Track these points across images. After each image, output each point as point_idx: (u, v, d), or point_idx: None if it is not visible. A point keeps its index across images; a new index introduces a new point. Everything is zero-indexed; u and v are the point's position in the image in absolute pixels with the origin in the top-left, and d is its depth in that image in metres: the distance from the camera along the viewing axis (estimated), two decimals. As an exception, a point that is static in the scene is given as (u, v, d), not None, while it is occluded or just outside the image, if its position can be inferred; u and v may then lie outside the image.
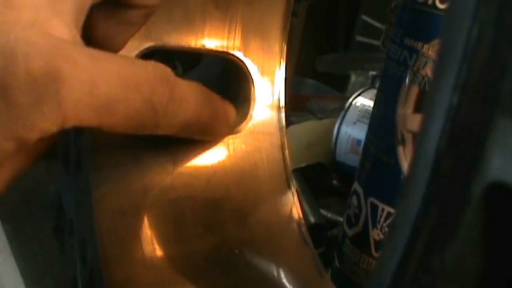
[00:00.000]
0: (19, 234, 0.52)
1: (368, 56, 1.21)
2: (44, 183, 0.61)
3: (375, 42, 1.26)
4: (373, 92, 0.72)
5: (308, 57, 1.18)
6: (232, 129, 0.42)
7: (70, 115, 0.29)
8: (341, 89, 1.12)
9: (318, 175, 0.69)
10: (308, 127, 0.74)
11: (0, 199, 0.56)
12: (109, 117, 0.31)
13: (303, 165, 0.66)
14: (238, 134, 0.43)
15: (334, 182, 0.70)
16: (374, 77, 1.14)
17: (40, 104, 0.28)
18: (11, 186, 0.59)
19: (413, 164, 0.14)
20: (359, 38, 1.32)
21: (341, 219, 0.61)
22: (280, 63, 0.45)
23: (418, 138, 0.14)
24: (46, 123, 0.28)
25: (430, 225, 0.13)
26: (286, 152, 0.44)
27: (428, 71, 0.42)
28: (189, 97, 0.35)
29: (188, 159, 0.41)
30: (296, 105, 0.86)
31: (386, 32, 1.23)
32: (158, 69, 0.33)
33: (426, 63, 0.42)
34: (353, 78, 1.15)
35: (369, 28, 1.29)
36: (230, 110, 0.40)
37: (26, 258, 0.49)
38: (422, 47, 0.42)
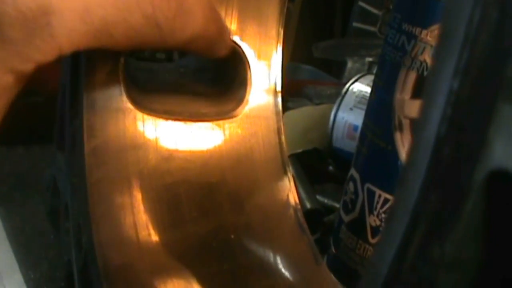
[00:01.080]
0: (13, 218, 0.51)
1: (364, 42, 1.20)
2: (39, 167, 0.60)
3: (372, 28, 1.26)
4: (370, 78, 0.72)
5: (305, 43, 1.17)
6: (229, 50, 0.41)
7: (65, 44, 0.30)
8: (337, 75, 1.12)
9: (314, 161, 0.68)
10: (304, 113, 0.74)
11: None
12: (108, 39, 0.31)
13: (299, 150, 0.66)
14: (234, 119, 0.43)
15: (330, 168, 0.70)
16: (370, 63, 1.14)
17: (33, 37, 0.29)
18: (5, 170, 0.59)
19: (413, 150, 0.14)
20: (355, 24, 1.31)
21: (337, 205, 0.61)
22: (277, 47, 0.45)
23: (418, 123, 0.14)
24: (41, 54, 0.30)
25: (430, 213, 0.13)
26: (283, 136, 0.44)
27: (426, 57, 0.41)
28: (197, 11, 0.35)
29: (184, 144, 0.41)
30: (292, 90, 0.86)
31: (383, 18, 1.23)
32: None
33: (424, 48, 0.41)
34: (349, 64, 1.15)
35: (365, 14, 1.29)
36: (228, 31, 0.40)
37: (21, 243, 0.49)
38: (421, 32, 0.42)
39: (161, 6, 0.33)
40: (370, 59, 1.14)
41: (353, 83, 0.71)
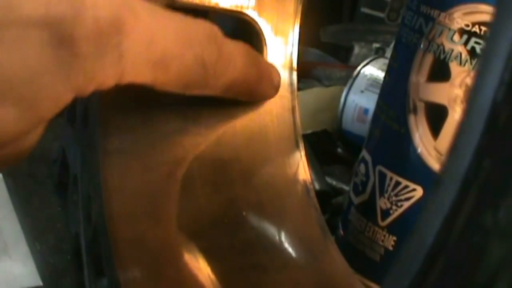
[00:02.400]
0: (20, 189, 0.51)
1: (372, 28, 1.20)
2: (46, 139, 0.60)
3: (380, 14, 1.25)
4: (383, 61, 0.72)
5: (312, 27, 1.16)
6: (276, 91, 0.42)
7: (129, 69, 0.28)
8: (344, 60, 1.11)
9: (323, 143, 0.68)
10: (314, 94, 0.74)
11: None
12: (163, 73, 0.31)
13: (308, 131, 0.65)
14: None
15: (339, 150, 0.70)
16: (377, 49, 1.14)
17: (103, 55, 0.27)
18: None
19: (466, 116, 0.13)
20: (364, 9, 1.30)
21: (345, 187, 0.61)
22: (294, 25, 0.44)
23: (473, 88, 0.13)
24: (105, 77, 0.28)
25: (483, 179, 0.13)
26: (297, 116, 0.44)
27: (443, 40, 0.41)
28: (236, 57, 0.35)
29: (198, 119, 0.41)
30: (302, 72, 0.85)
31: (391, 5, 1.22)
32: (207, 27, 0.33)
33: (442, 31, 0.41)
34: (356, 49, 1.14)
35: (374, 0, 1.28)
36: (275, 72, 0.41)
37: (27, 214, 0.48)
38: (439, 15, 0.41)
39: (208, 49, 0.33)
40: (378, 45, 1.14)
41: (364, 65, 0.70)
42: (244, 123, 0.42)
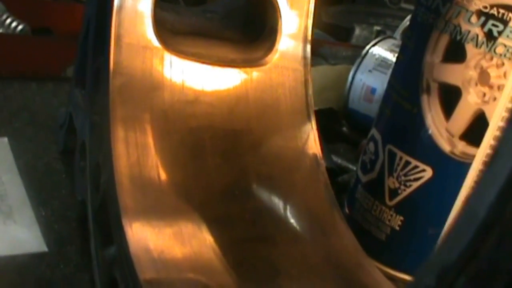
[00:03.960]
0: (26, 154, 0.51)
1: (374, 11, 1.20)
2: (52, 106, 0.60)
3: (382, -3, 1.24)
4: (391, 42, 0.71)
5: (315, 8, 1.15)
6: None
7: None
8: (344, 41, 1.11)
9: (329, 121, 0.68)
10: (321, 72, 0.73)
11: (8, 118, 0.55)
12: None
13: (314, 108, 0.65)
14: (262, 67, 0.42)
15: (344, 129, 0.69)
16: (378, 31, 1.14)
17: None
18: (18, 105, 0.58)
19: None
20: (366, -9, 1.30)
21: (350, 165, 0.61)
22: None
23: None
24: None
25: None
26: (310, 89, 0.43)
27: (460, 20, 0.40)
28: None
29: (210, 88, 0.40)
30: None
31: (394, -12, 1.22)
32: None
33: (459, 12, 0.40)
34: (357, 31, 1.14)
35: (376, -18, 1.27)
36: None
37: (33, 179, 0.48)
38: (457, -5, 0.41)
39: None
40: (378, 27, 1.14)
41: (373, 45, 0.70)
42: (257, 95, 0.41)
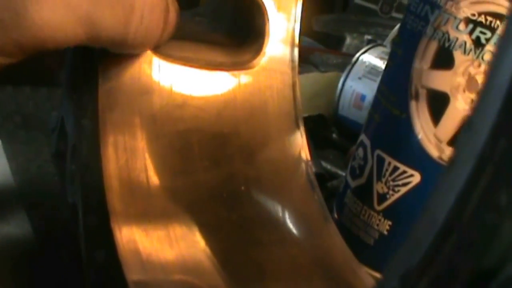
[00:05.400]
0: (19, 156, 0.51)
1: (365, 20, 1.20)
2: (45, 109, 0.60)
3: (373, 6, 1.25)
4: (381, 49, 0.72)
5: (305, 16, 1.16)
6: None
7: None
8: (335, 50, 1.12)
9: (318, 127, 0.68)
10: (311, 79, 0.74)
11: (1, 122, 0.56)
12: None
13: (304, 115, 0.65)
14: (250, 70, 0.42)
15: (334, 135, 0.70)
16: (369, 41, 1.14)
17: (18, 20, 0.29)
18: (12, 109, 0.58)
19: (483, 94, 0.13)
20: (357, 0, 1.31)
21: (340, 171, 0.61)
22: (297, 0, 0.44)
23: (491, 66, 0.13)
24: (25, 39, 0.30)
25: (498, 158, 0.13)
26: (298, 92, 0.44)
27: (449, 28, 0.41)
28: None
29: (199, 92, 0.41)
30: (299, 57, 0.85)
31: (385, -3, 1.23)
32: None
33: (448, 20, 0.41)
34: (348, 40, 1.15)
35: (368, -8, 1.28)
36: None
37: (25, 181, 0.48)
38: (446, 3, 0.41)
39: None
40: (369, 37, 1.14)
41: (363, 53, 0.71)
42: (245, 97, 0.42)
